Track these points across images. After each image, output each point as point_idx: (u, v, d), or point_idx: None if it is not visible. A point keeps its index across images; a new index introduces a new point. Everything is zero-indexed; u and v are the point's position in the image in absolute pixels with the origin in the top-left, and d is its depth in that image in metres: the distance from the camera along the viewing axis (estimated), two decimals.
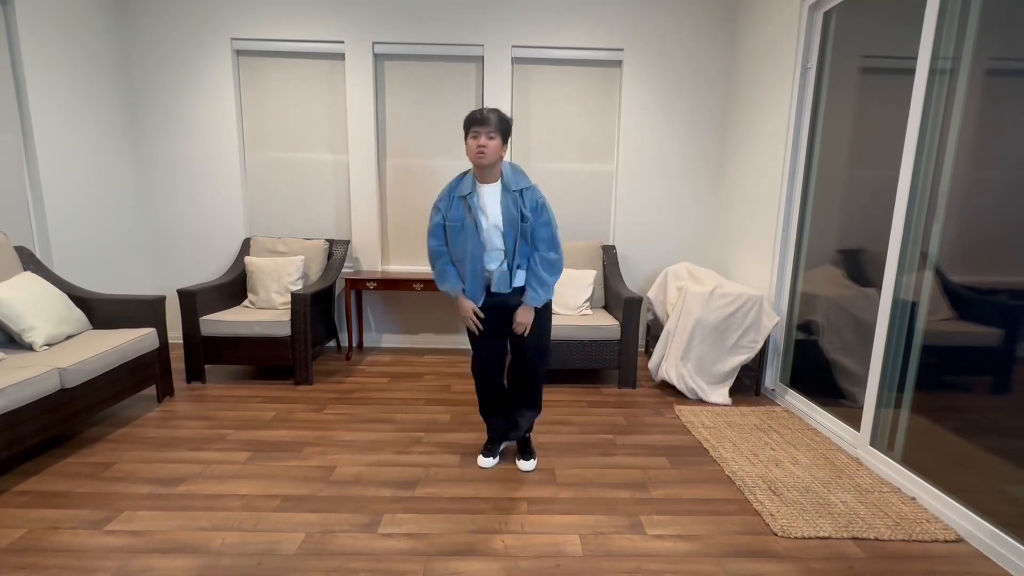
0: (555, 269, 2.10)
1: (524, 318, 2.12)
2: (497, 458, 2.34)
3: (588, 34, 3.77)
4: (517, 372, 2.28)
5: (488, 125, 1.97)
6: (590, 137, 3.96)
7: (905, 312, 2.21)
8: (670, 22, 3.77)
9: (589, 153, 3.98)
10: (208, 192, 3.87)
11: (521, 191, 2.03)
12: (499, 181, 2.06)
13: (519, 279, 2.13)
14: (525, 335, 2.16)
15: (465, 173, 2.11)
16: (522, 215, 2.03)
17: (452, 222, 2.06)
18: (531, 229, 2.05)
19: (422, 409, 2.91)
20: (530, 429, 2.38)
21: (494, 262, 2.10)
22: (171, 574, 1.60)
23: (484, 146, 1.96)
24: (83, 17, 3.34)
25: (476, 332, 2.18)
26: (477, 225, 2.03)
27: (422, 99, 3.87)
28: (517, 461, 2.33)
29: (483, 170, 2.02)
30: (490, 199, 2.04)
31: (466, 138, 2.02)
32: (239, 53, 3.77)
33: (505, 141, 2.02)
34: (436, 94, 3.87)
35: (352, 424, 2.70)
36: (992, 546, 1.75)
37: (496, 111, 2.00)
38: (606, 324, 3.21)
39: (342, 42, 3.73)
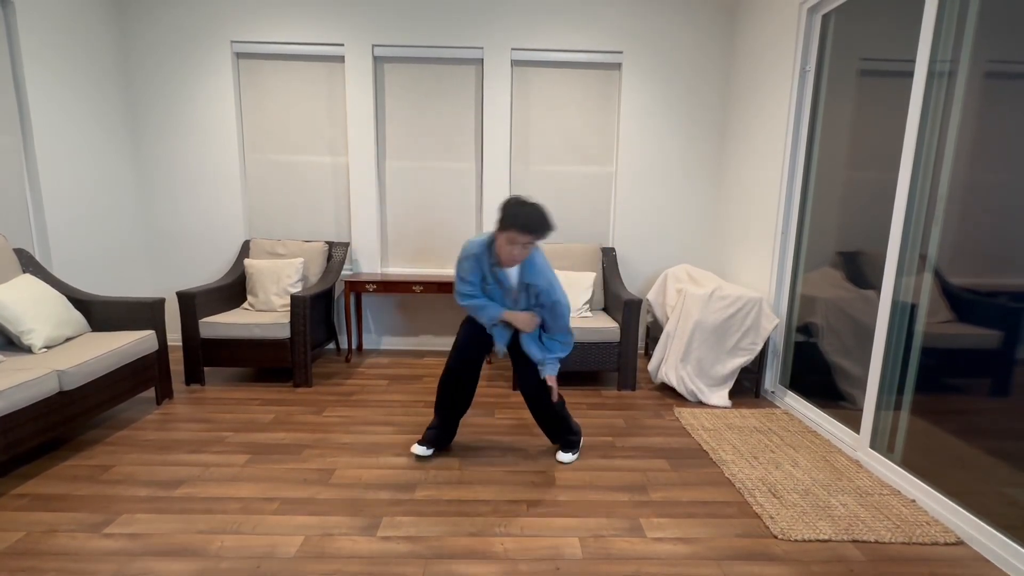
0: (567, 348, 2.29)
1: (551, 382, 2.28)
2: (431, 450, 2.37)
3: (587, 36, 3.78)
4: (537, 413, 2.41)
5: (534, 236, 2.00)
6: (589, 139, 3.96)
7: (904, 314, 2.21)
8: (669, 25, 3.78)
9: (588, 155, 3.98)
10: (208, 194, 3.88)
11: (527, 285, 2.15)
12: (516, 268, 2.17)
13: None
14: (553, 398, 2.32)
15: (490, 243, 2.15)
16: (528, 301, 2.20)
17: (493, 285, 2.21)
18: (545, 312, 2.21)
19: (421, 411, 2.90)
20: (568, 437, 2.43)
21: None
22: None
23: (515, 256, 2.05)
24: (83, 18, 3.34)
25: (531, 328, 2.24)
26: (504, 289, 2.20)
27: (422, 101, 3.88)
28: (557, 453, 2.40)
29: (501, 265, 2.14)
30: (510, 280, 2.19)
31: (504, 230, 2.01)
32: (239, 55, 3.78)
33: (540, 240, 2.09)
34: (436, 96, 3.87)
35: (351, 426, 2.69)
36: (993, 549, 1.75)
37: (548, 218, 2.02)
38: (605, 326, 3.21)
39: (342, 45, 3.74)
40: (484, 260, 2.16)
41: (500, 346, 2.29)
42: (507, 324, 2.26)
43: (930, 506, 2.01)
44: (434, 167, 3.96)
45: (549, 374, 2.26)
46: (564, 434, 2.40)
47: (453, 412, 2.41)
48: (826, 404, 2.75)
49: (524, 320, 2.21)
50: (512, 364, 2.42)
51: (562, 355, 2.28)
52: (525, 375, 2.32)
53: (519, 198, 2.04)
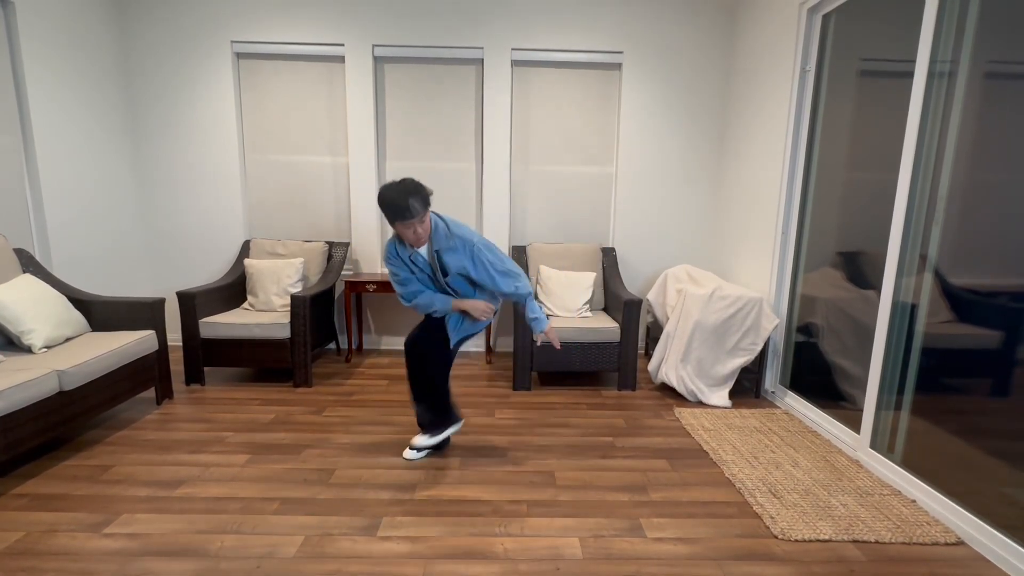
0: (523, 298, 2.21)
1: (551, 335, 2.24)
2: (420, 452, 2.35)
3: (587, 37, 3.78)
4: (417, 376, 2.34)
5: (413, 217, 1.96)
6: (590, 140, 3.96)
7: (905, 314, 2.21)
8: (669, 25, 3.78)
9: (589, 156, 3.98)
10: (208, 194, 3.87)
11: (438, 251, 2.11)
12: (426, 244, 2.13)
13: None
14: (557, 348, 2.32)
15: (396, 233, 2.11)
16: (443, 270, 2.14)
17: (417, 274, 2.19)
18: (477, 278, 2.16)
19: None
20: (430, 425, 2.37)
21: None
22: None
23: (418, 235, 2.02)
24: (83, 19, 3.35)
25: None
26: (429, 272, 2.18)
27: (422, 101, 3.88)
28: (412, 440, 2.37)
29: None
30: (423, 258, 2.16)
31: (392, 222, 2.00)
32: (239, 55, 3.78)
33: (427, 209, 2.03)
34: (436, 96, 3.87)
35: (351, 426, 2.69)
36: (993, 549, 1.75)
37: (413, 192, 1.95)
38: (606, 326, 3.21)
39: (342, 45, 3.74)
40: (401, 249, 2.13)
41: (454, 337, 2.24)
42: (463, 313, 2.23)
43: (930, 506, 2.01)
44: (434, 167, 3.96)
45: (540, 332, 2.22)
46: (436, 412, 2.34)
47: (416, 390, 2.34)
48: (826, 404, 2.75)
49: (479, 307, 2.18)
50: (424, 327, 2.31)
51: (532, 307, 2.21)
52: (424, 336, 2.26)
53: (385, 184, 2.01)
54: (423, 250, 2.14)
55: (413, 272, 2.18)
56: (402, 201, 1.94)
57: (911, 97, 2.16)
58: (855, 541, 1.82)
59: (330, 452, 2.41)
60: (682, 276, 3.52)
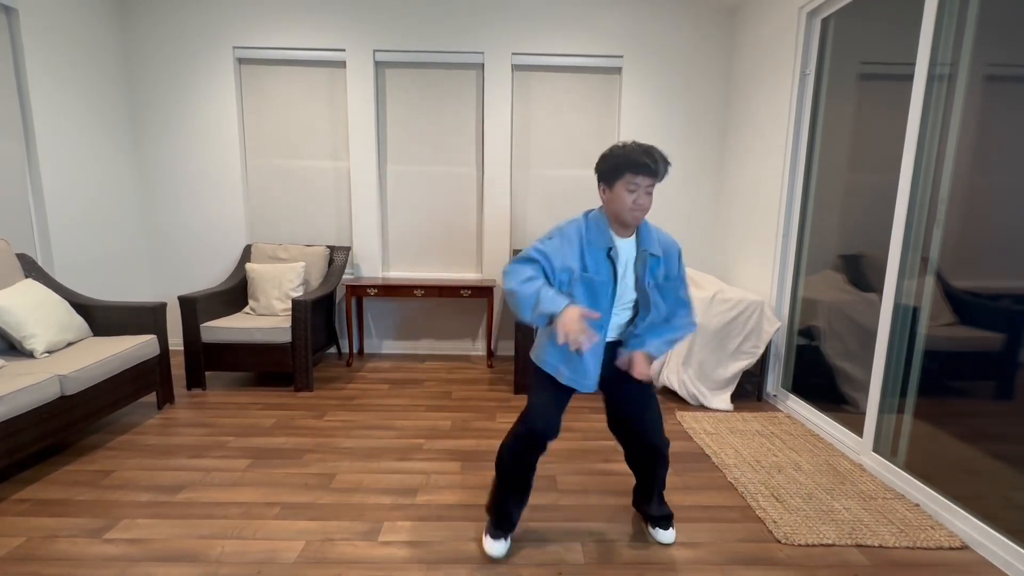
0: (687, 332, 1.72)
1: (643, 367, 1.62)
2: (509, 542, 1.79)
3: (588, 41, 3.79)
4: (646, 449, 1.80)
5: (657, 178, 1.52)
6: (590, 143, 3.97)
7: (907, 317, 2.20)
8: (669, 29, 3.79)
9: (589, 159, 3.99)
10: (209, 199, 3.89)
11: (650, 253, 1.61)
12: (634, 235, 1.64)
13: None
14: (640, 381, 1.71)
15: (589, 215, 1.64)
16: (652, 276, 1.64)
17: (595, 275, 1.59)
18: (663, 288, 1.68)
19: (423, 416, 2.90)
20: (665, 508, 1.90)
21: (622, 318, 1.68)
22: None
23: (642, 205, 1.53)
24: (86, 25, 3.37)
25: (585, 345, 1.40)
26: (617, 280, 1.61)
27: (423, 106, 3.89)
28: (657, 531, 1.85)
29: (627, 226, 1.60)
30: (626, 254, 1.63)
31: (612, 182, 1.54)
32: (241, 61, 3.79)
33: None
34: (437, 101, 3.89)
35: (352, 431, 2.69)
36: (997, 553, 1.73)
37: (664, 155, 1.52)
38: None
39: (343, 50, 3.75)
40: (593, 235, 1.59)
41: (592, 380, 1.65)
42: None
43: (934, 510, 2.00)
44: (435, 171, 3.97)
45: (653, 352, 1.64)
46: (661, 497, 1.88)
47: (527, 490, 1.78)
48: (829, 408, 2.74)
49: (576, 323, 1.40)
50: (605, 396, 1.85)
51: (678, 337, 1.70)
52: (629, 397, 1.75)
53: (615, 144, 1.57)
54: (627, 244, 1.62)
55: (597, 275, 1.59)
56: (649, 155, 1.49)
57: (911, 100, 2.16)
58: (859, 545, 1.81)
59: (331, 457, 2.40)
60: None
